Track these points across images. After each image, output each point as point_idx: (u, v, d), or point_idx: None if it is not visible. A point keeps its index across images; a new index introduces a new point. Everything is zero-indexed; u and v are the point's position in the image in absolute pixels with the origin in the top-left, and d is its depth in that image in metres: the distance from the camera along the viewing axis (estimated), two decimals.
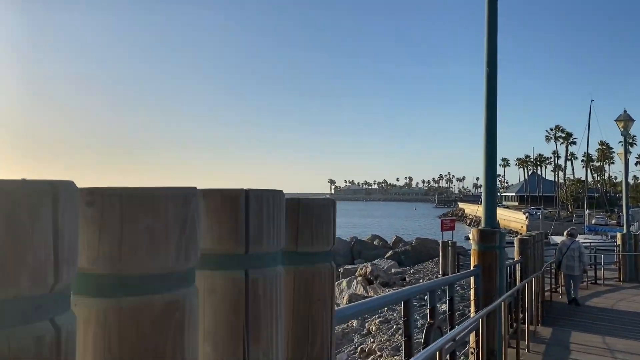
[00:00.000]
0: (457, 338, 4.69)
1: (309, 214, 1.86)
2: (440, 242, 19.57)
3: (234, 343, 1.47)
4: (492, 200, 6.45)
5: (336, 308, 2.52)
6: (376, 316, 10.43)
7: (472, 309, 6.11)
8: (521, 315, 8.33)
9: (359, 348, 9.17)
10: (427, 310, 4.08)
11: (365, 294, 13.66)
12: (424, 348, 3.78)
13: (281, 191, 1.63)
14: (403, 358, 3.42)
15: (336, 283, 14.15)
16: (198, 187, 1.53)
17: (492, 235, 6.05)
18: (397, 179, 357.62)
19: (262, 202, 1.53)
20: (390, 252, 29.41)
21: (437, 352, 3.51)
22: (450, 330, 4.71)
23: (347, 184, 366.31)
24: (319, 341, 1.84)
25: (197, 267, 1.52)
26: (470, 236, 6.41)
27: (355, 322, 10.85)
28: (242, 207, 1.49)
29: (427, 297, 4.18)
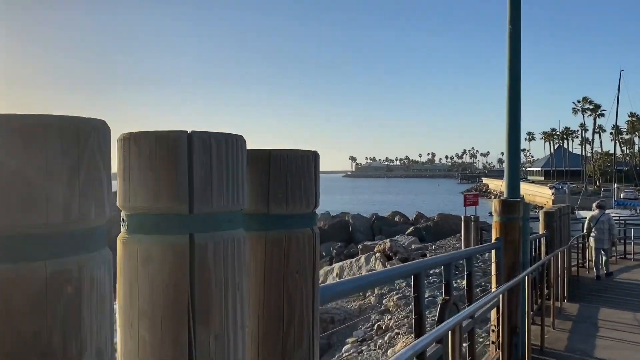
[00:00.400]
0: (475, 315, 4.36)
1: (283, 169, 1.53)
2: (462, 217, 19.16)
3: (175, 325, 1.16)
4: (515, 169, 6.04)
5: (331, 282, 2.22)
6: (394, 292, 10.15)
7: (493, 284, 5.75)
8: (546, 291, 7.95)
9: (376, 325, 8.93)
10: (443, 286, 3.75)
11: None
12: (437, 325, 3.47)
13: (241, 136, 1.30)
14: (414, 337, 3.10)
15: (354, 259, 13.91)
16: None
17: (514, 206, 5.66)
18: (420, 155, 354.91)
19: (212, 149, 1.20)
20: (411, 228, 29.05)
21: (451, 331, 3.20)
22: (468, 306, 4.39)
23: (369, 160, 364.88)
24: (296, 320, 1.53)
25: (133, 231, 1.22)
26: (492, 208, 6.03)
27: (372, 299, 10.61)
28: (183, 153, 1.17)
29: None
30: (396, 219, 34.74)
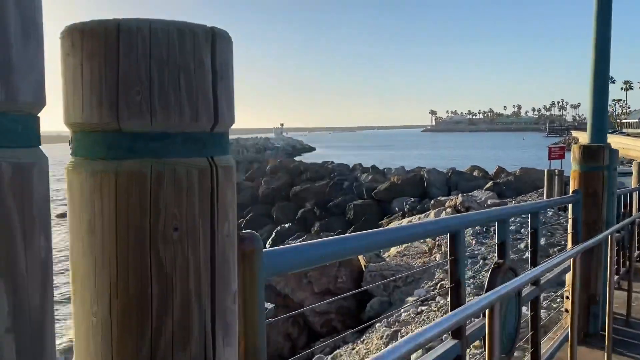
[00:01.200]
0: (540, 281, 3.61)
1: (143, 53, 0.92)
2: (545, 171, 17.78)
3: None
4: (601, 109, 5.02)
5: (298, 244, 1.61)
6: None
7: (569, 244, 4.91)
8: (637, 253, 6.92)
9: (439, 284, 8.26)
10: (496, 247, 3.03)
11: None
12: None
13: None
14: (449, 310, 2.46)
15: (423, 215, 13.19)
16: None
17: (598, 152, 4.72)
18: (505, 108, 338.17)
19: None
20: (490, 183, 27.56)
21: (498, 303, 2.53)
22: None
23: (450, 114, 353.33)
24: (176, 309, 0.95)
25: None
26: (571, 155, 5.11)
27: (438, 256, 9.88)
28: None
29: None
30: (474, 173, 33.18)
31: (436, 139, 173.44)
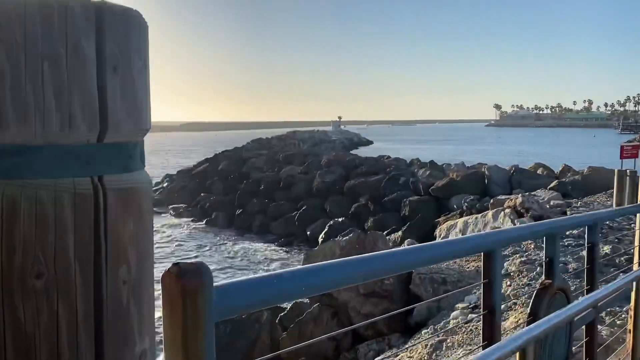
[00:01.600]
0: (598, 305, 3.18)
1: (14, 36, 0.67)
2: (616, 171, 16.67)
3: None
4: None
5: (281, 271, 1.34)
6: (518, 255, 8.80)
7: (636, 257, 4.38)
8: None
9: None
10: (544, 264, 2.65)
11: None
12: (528, 324, 2.44)
13: None
14: (482, 342, 2.12)
15: (480, 215, 12.66)
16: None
17: None
18: (574, 103, 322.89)
19: None
20: (554, 182, 26.23)
21: (548, 335, 2.19)
22: (588, 293, 3.23)
23: (515, 108, 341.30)
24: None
25: None
26: None
27: None
28: None
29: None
30: (539, 171, 31.69)
31: (500, 134, 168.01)
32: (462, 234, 13.59)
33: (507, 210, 13.31)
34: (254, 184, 33.77)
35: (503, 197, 19.81)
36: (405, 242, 12.76)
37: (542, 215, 12.50)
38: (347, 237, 9.85)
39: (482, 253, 2.06)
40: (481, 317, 2.13)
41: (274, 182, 33.29)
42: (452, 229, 14.30)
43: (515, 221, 12.63)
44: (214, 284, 1.05)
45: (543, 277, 2.65)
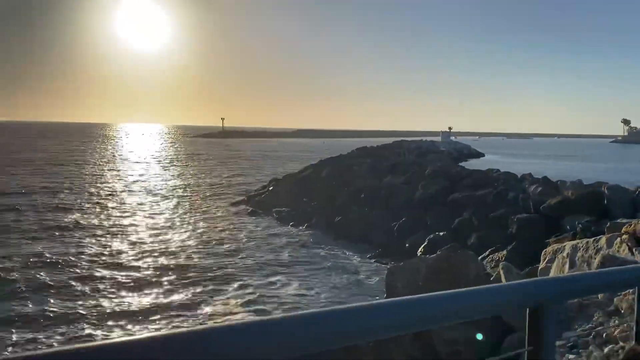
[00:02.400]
0: None
1: None
2: None
3: None
4: None
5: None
6: (631, 290, 7.68)
7: None
8: None
9: (594, 331, 6.79)
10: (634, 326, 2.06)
11: (629, 258, 10.49)
12: None
13: None
14: None
15: (592, 240, 11.33)
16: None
17: None
18: None
19: None
20: None
21: None
22: None
23: None
24: None
25: None
26: None
27: (601, 294, 8.24)
28: None
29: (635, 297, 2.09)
30: None
31: (627, 151, 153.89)
32: (570, 260, 12.30)
33: (625, 236, 11.83)
34: (355, 191, 33.57)
35: (624, 220, 17.83)
36: (500, 266, 11.72)
37: None
38: (434, 255, 9.22)
39: (526, 309, 1.57)
40: None
41: (375, 191, 32.85)
42: (558, 253, 13.00)
43: (634, 250, 11.18)
44: None
45: (633, 341, 2.06)
